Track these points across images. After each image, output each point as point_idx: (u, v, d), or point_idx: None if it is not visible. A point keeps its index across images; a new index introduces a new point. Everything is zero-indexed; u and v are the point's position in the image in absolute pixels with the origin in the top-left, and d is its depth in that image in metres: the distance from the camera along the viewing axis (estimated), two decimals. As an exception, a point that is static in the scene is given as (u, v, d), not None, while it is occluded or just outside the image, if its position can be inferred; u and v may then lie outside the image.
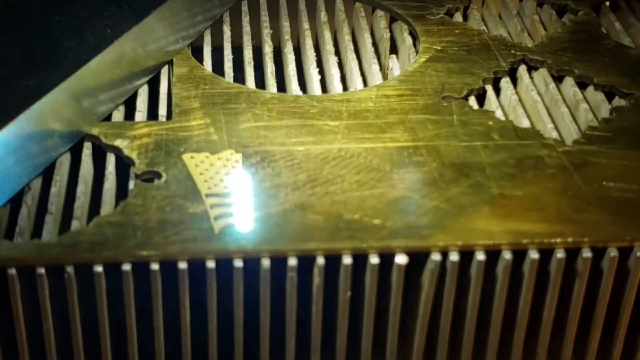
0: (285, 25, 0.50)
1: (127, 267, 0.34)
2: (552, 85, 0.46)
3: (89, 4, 0.41)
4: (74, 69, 0.37)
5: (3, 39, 0.39)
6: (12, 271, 0.33)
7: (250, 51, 0.48)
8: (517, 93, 0.45)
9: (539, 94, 0.45)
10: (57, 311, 0.34)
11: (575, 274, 0.36)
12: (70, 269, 0.33)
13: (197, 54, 0.47)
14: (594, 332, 0.37)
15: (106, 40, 0.39)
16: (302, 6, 0.51)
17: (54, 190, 0.37)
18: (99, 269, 0.33)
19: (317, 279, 0.35)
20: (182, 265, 0.34)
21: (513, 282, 0.36)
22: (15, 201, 0.36)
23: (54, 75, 0.37)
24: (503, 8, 0.53)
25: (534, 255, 0.35)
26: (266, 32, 0.49)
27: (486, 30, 0.50)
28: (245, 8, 0.51)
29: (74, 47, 0.38)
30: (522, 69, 0.47)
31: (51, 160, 0.37)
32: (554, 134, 0.42)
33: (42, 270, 0.33)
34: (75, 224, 0.35)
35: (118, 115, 0.42)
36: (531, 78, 0.46)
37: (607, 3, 0.53)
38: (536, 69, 0.47)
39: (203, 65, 0.46)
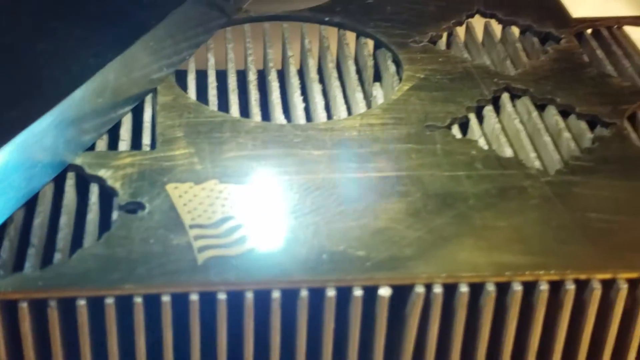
0: (270, 53, 0.50)
1: (110, 300, 0.34)
2: (535, 113, 0.46)
3: (72, 33, 0.41)
4: (58, 99, 0.37)
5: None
6: (-6, 305, 0.33)
7: (235, 79, 0.48)
8: (500, 121, 0.46)
9: (521, 122, 0.46)
10: (40, 345, 0.34)
11: (558, 305, 0.36)
12: (53, 303, 0.33)
13: (181, 80, 0.47)
14: (577, 363, 0.37)
15: (90, 70, 0.39)
16: (287, 33, 0.52)
17: (36, 221, 0.37)
18: (82, 302, 0.33)
19: (300, 312, 0.35)
20: (166, 298, 0.34)
21: (496, 314, 0.36)
22: (-3, 232, 0.36)
23: (38, 105, 0.37)
24: (486, 36, 0.54)
25: (517, 287, 0.35)
26: (250, 59, 0.50)
27: (469, 58, 0.50)
28: (229, 35, 0.51)
29: (58, 77, 0.38)
30: (505, 97, 0.47)
31: (35, 191, 0.37)
32: (537, 163, 0.42)
33: (24, 304, 0.33)
34: (57, 257, 0.35)
35: (102, 144, 0.42)
36: (514, 106, 0.47)
37: (589, 31, 0.54)
38: (519, 97, 0.47)
39: (187, 93, 0.46)
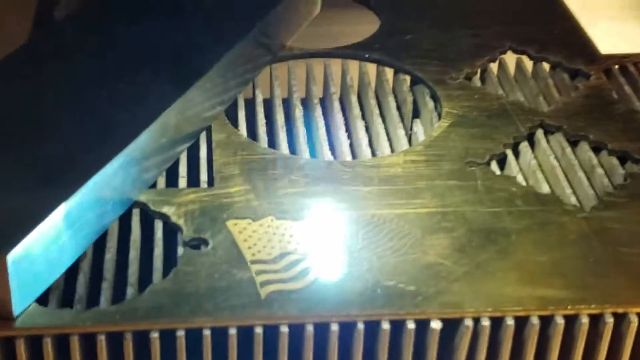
0: (314, 89, 0.53)
1: (181, 332, 0.36)
2: (568, 149, 0.48)
3: (134, 79, 0.44)
4: (126, 142, 0.40)
5: (58, 112, 0.41)
6: (74, 338, 0.35)
7: (282, 115, 0.50)
8: (535, 157, 0.48)
9: (556, 158, 0.48)
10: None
11: (597, 337, 0.38)
12: (128, 336, 0.36)
13: (231, 115, 0.50)
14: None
15: (154, 113, 0.42)
16: (329, 70, 0.54)
17: (108, 256, 0.39)
18: (155, 335, 0.36)
19: (356, 343, 0.37)
20: (232, 331, 0.36)
21: (539, 344, 0.39)
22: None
23: (108, 148, 0.39)
24: (518, 71, 0.56)
25: (559, 320, 0.38)
26: (295, 96, 0.52)
27: (504, 94, 0.53)
28: (275, 72, 0.53)
29: (124, 121, 0.41)
30: (540, 134, 0.49)
31: (105, 227, 0.40)
32: (573, 199, 0.45)
33: (102, 337, 0.35)
34: (130, 291, 0.38)
35: (161, 181, 0.44)
36: (548, 142, 0.49)
37: (617, 67, 0.56)
38: (553, 133, 0.50)
39: (238, 129, 0.48)
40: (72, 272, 0.38)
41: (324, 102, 0.54)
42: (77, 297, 0.37)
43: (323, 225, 0.42)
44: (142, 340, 0.36)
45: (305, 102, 0.54)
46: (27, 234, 0.35)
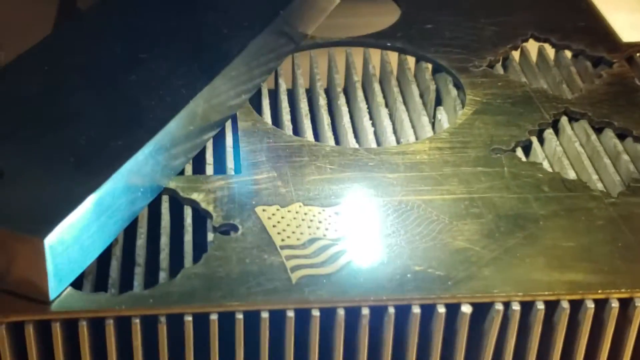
0: (336, 77, 0.53)
1: (214, 316, 0.36)
2: (594, 136, 0.49)
3: (161, 65, 0.44)
4: (157, 128, 0.40)
5: (88, 100, 0.42)
6: (110, 322, 0.36)
7: (306, 103, 0.51)
8: (560, 144, 0.48)
9: (581, 145, 0.48)
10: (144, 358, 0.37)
11: (627, 322, 0.39)
12: (162, 319, 0.36)
13: (254, 103, 0.50)
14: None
15: (182, 100, 0.42)
16: (351, 58, 0.55)
17: (139, 242, 0.40)
18: (188, 318, 0.36)
19: (387, 327, 0.38)
20: (264, 314, 0.37)
21: (569, 328, 0.39)
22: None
23: (139, 135, 0.40)
24: (540, 59, 0.56)
25: (589, 304, 0.38)
26: (319, 85, 0.52)
27: (527, 81, 0.53)
28: (297, 60, 0.54)
29: (154, 108, 0.41)
30: (564, 120, 0.50)
31: (136, 214, 0.40)
32: (599, 185, 0.45)
33: (137, 320, 0.36)
34: (162, 275, 0.38)
35: (189, 168, 0.45)
36: (573, 129, 0.49)
37: (638, 55, 0.56)
38: (577, 120, 0.50)
39: (263, 117, 0.49)
40: (105, 258, 0.39)
41: (347, 91, 0.55)
42: (111, 281, 0.38)
43: (351, 211, 0.42)
44: (175, 323, 0.37)
45: (328, 91, 0.54)
46: (62, 219, 0.35)
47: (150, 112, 0.41)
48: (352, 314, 0.38)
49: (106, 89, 0.43)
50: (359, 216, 0.42)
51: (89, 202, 0.37)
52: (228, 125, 0.48)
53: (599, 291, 0.38)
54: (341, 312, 0.37)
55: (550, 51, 0.57)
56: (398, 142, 0.49)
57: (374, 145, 0.48)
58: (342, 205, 0.42)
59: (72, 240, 0.36)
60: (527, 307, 0.38)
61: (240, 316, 0.37)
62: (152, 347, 0.37)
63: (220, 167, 0.45)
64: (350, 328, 0.38)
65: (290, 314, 0.37)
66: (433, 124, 0.52)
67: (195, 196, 0.42)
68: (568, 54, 0.56)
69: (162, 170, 0.41)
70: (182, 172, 0.44)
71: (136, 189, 0.40)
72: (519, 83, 0.52)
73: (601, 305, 0.39)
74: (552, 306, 0.38)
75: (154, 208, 0.42)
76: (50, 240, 0.34)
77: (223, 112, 0.47)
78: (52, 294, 0.35)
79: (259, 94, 0.51)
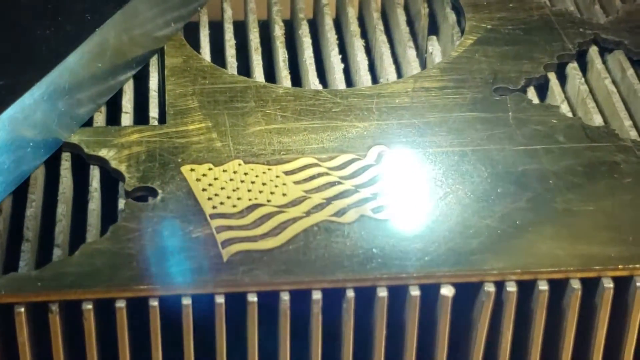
0: (299, 1, 0.54)
1: (121, 303, 0.38)
2: (631, 71, 0.50)
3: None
4: (50, 65, 0.42)
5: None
6: (-14, 310, 0.37)
7: (257, 34, 0.52)
8: (587, 82, 0.50)
9: (613, 82, 0.49)
10: (39, 352, 0.38)
11: (656, 305, 0.40)
12: (54, 307, 0.38)
13: (192, 37, 0.51)
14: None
15: (87, 29, 0.43)
16: (319, -25, 0.56)
17: (29, 212, 0.41)
18: (88, 306, 0.38)
19: (346, 315, 0.39)
20: (186, 301, 0.38)
21: (581, 314, 0.40)
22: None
23: (27, 74, 0.41)
24: (569, -27, 0.57)
25: (608, 284, 0.39)
26: (275, 10, 0.54)
27: (548, 3, 0.54)
28: (248, -21, 0.55)
29: (50, 39, 0.43)
30: (593, 52, 0.51)
31: (25, 175, 0.42)
32: (633, 134, 0.46)
33: (21, 309, 0.37)
34: (57, 253, 0.40)
35: (100, 118, 0.46)
36: (604, 63, 0.51)
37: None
38: (611, 51, 0.51)
39: (200, 53, 0.50)
40: (-17, 232, 0.40)
41: (315, 20, 0.56)
42: (-10, 261, 0.39)
43: (305, 171, 0.43)
44: (72, 312, 0.38)
45: (289, 20, 0.56)
46: None
47: (45, 46, 0.43)
48: (301, 298, 0.39)
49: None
50: (314, 177, 0.43)
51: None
52: (153, 62, 0.49)
53: (620, 266, 0.39)
54: (285, 297, 0.39)
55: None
56: (375, 81, 0.51)
57: (342, 86, 0.49)
58: (293, 163, 0.44)
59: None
60: (527, 288, 0.40)
61: (155, 303, 0.38)
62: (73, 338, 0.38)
63: (141, 117, 0.47)
64: (299, 316, 0.39)
65: (220, 299, 0.38)
66: (425, 60, 0.53)
67: (104, 153, 0.43)
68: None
69: (60, 119, 0.43)
70: (89, 123, 0.45)
71: (23, 144, 0.41)
72: (537, 4, 0.53)
73: (623, 284, 0.40)
74: (559, 286, 0.40)
75: (51, 169, 0.44)
76: None
77: (145, 46, 0.48)
78: None
79: (196, 23, 0.52)
